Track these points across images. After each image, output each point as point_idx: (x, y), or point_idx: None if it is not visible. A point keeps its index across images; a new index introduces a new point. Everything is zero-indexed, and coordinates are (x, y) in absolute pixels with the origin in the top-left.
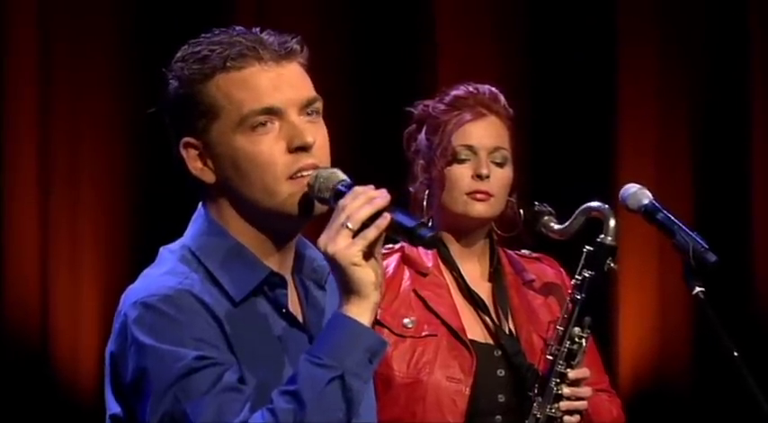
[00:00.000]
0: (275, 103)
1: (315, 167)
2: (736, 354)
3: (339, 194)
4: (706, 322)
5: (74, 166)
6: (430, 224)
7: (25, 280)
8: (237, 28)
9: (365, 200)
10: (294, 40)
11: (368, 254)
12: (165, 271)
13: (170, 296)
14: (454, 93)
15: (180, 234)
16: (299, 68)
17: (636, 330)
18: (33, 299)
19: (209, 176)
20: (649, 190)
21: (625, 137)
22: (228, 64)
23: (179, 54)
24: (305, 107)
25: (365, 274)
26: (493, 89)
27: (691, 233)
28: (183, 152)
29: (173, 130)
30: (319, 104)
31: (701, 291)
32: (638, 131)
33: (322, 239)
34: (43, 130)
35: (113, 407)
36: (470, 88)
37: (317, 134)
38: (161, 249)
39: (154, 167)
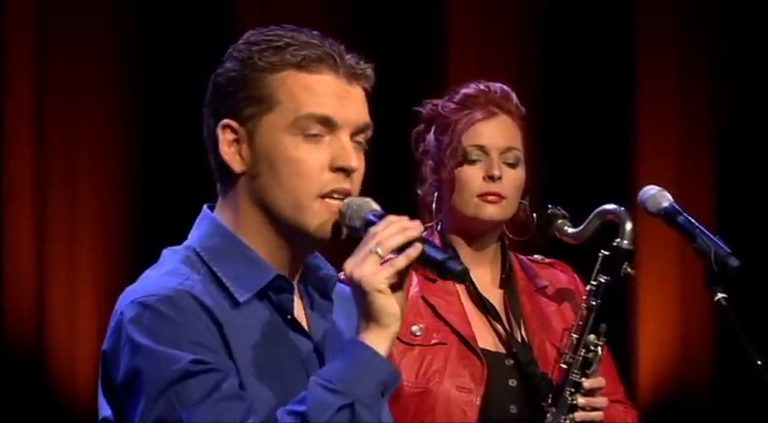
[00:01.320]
0: (335, 116)
1: (348, 194)
2: (759, 363)
3: (370, 224)
4: (728, 330)
5: (71, 166)
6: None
7: (21, 283)
8: (313, 32)
9: (398, 229)
10: (369, 65)
11: (395, 284)
12: (166, 272)
13: (169, 297)
14: (464, 91)
15: (180, 235)
16: (363, 94)
17: (656, 338)
18: (29, 302)
19: (238, 165)
20: (669, 192)
21: (644, 137)
22: (303, 64)
23: (250, 36)
24: (358, 132)
25: (389, 304)
26: (504, 87)
27: (712, 237)
28: (219, 132)
29: (215, 106)
30: (370, 133)
31: (724, 297)
32: (657, 131)
33: (349, 264)
34: (39, 130)
35: (105, 409)
36: (481, 86)
37: (359, 164)
38: (164, 251)
39: (152, 168)
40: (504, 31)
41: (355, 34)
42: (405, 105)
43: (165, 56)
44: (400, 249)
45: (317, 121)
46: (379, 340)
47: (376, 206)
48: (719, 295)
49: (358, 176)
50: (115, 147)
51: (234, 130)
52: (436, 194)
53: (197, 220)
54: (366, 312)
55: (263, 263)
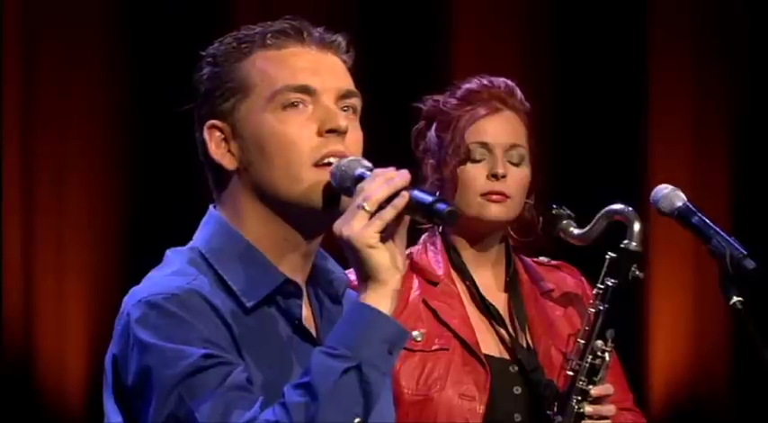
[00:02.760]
0: (311, 84)
1: (343, 155)
2: None
3: (360, 181)
4: (745, 335)
5: (59, 164)
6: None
7: (7, 288)
8: (285, 17)
9: (383, 180)
10: (341, 35)
11: (386, 236)
12: (173, 271)
13: (177, 295)
14: (467, 86)
15: (177, 237)
16: (341, 62)
17: (668, 344)
18: (16, 309)
19: (229, 162)
20: (683, 191)
21: (657, 134)
22: (269, 41)
23: (219, 40)
24: (342, 98)
25: (382, 258)
26: (509, 82)
27: (728, 238)
28: (207, 135)
29: (199, 113)
30: (358, 102)
31: (740, 301)
32: (670, 128)
33: (337, 223)
34: (26, 126)
35: (113, 416)
36: (484, 81)
37: (352, 129)
38: (167, 252)
39: (146, 166)
40: (510, 22)
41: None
42: (404, 101)
43: (161, 53)
44: (389, 200)
45: (293, 91)
46: (379, 298)
47: (367, 163)
48: (735, 299)
49: (353, 140)
50: (106, 144)
51: (219, 129)
52: (438, 194)
53: (203, 221)
54: (362, 271)
55: (270, 265)
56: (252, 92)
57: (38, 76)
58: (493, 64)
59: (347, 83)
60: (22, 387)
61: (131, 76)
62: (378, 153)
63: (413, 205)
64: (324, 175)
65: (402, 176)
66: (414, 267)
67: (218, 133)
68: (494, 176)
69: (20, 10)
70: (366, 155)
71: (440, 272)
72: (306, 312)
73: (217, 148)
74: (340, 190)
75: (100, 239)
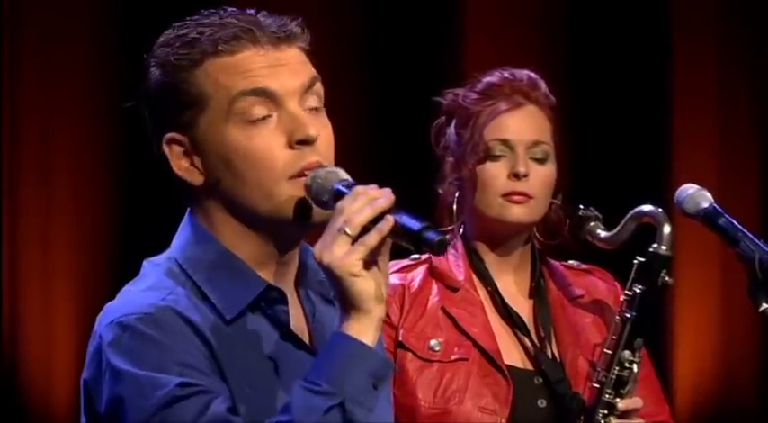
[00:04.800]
0: (270, 86)
1: (320, 166)
2: None
3: (339, 196)
4: None
5: (45, 169)
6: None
7: None
8: (229, 9)
9: (366, 201)
10: (294, 23)
11: (369, 262)
12: (147, 286)
13: (150, 314)
14: (487, 79)
15: (166, 243)
16: (300, 53)
17: (695, 353)
18: (0, 316)
19: (196, 177)
20: (710, 191)
21: (682, 131)
22: (220, 48)
23: (162, 38)
24: (306, 93)
25: (366, 286)
26: (532, 75)
27: (757, 241)
28: (166, 149)
29: (153, 124)
30: (320, 87)
31: None
32: (696, 125)
33: (317, 247)
34: (10, 122)
35: None
36: (506, 74)
37: (321, 128)
38: (144, 262)
39: (134, 169)
40: (524, 13)
41: (362, 18)
42: (420, 96)
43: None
44: (372, 223)
45: (253, 97)
46: (362, 328)
47: (345, 175)
48: (765, 305)
49: (324, 143)
50: (93, 143)
51: (179, 143)
52: (457, 194)
53: (180, 226)
54: (344, 300)
55: (250, 273)
56: (209, 104)
57: (21, 76)
58: (507, 57)
59: (307, 74)
60: (7, 394)
61: (118, 73)
62: (391, 151)
63: (398, 230)
64: (299, 188)
65: (386, 197)
66: (433, 272)
67: (177, 147)
68: (515, 176)
69: (1, 8)
70: (382, 155)
71: (460, 277)
72: (296, 317)
73: (179, 161)
74: (315, 203)
75: (88, 240)
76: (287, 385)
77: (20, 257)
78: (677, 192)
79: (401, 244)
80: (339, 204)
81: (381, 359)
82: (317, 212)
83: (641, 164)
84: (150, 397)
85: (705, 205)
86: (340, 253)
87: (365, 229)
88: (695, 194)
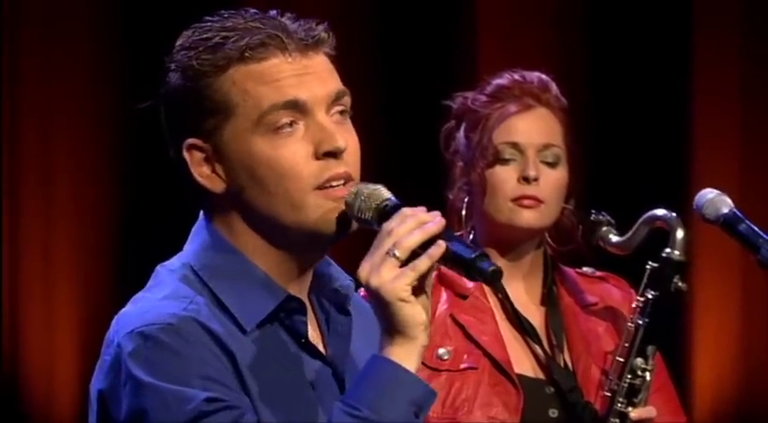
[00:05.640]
0: (300, 97)
1: (347, 177)
2: None
3: (384, 216)
4: None
5: (46, 166)
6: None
7: None
8: (251, 10)
9: (415, 224)
10: (321, 27)
11: (417, 288)
12: (166, 295)
13: (173, 325)
14: (497, 81)
15: (169, 245)
16: (326, 60)
17: (715, 361)
18: (0, 323)
19: (217, 185)
20: (730, 196)
21: (702, 132)
22: (247, 54)
23: (183, 41)
24: (333, 103)
25: (414, 312)
26: (543, 76)
27: None
28: (187, 155)
29: (172, 129)
30: (348, 100)
31: None
32: (717, 126)
33: (364, 269)
34: (10, 123)
35: None
36: (516, 76)
37: (348, 137)
38: (158, 268)
39: (136, 172)
40: (539, 11)
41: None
42: (431, 99)
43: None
44: (422, 248)
45: (282, 109)
46: (406, 355)
47: (389, 194)
48: None
49: (352, 154)
50: (95, 145)
51: (200, 149)
52: (467, 199)
53: (193, 230)
54: (389, 324)
55: (270, 282)
56: (235, 113)
57: (21, 76)
58: (520, 58)
59: (335, 84)
60: (8, 402)
61: (119, 73)
62: (401, 155)
63: (449, 256)
64: (328, 199)
65: (437, 223)
66: (441, 279)
67: (198, 153)
68: (525, 179)
69: (1, 8)
70: (392, 159)
71: (469, 284)
72: (311, 326)
73: (200, 168)
74: (357, 220)
75: (89, 243)
76: (305, 394)
77: (20, 261)
78: (697, 196)
79: (450, 269)
80: (387, 226)
81: (424, 387)
82: (350, 227)
83: (660, 167)
84: (176, 411)
85: (725, 211)
86: (389, 277)
87: (414, 254)
88: (715, 199)
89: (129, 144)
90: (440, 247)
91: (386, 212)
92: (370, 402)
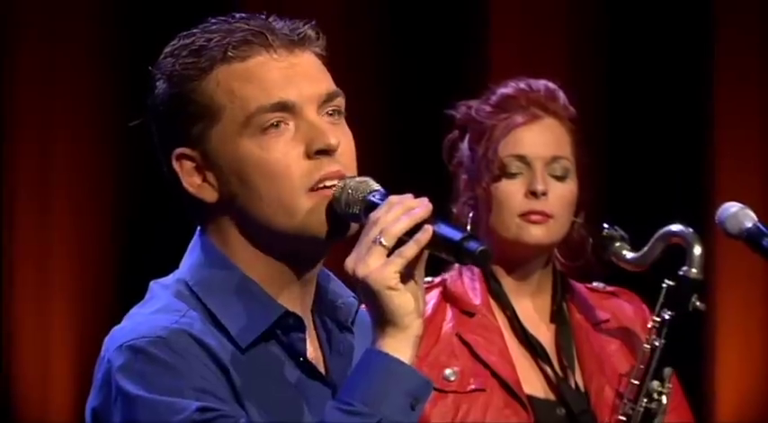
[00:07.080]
0: (289, 98)
1: (341, 176)
2: None
3: (371, 207)
4: None
5: (42, 172)
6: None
7: None
8: (238, 14)
9: (402, 211)
10: (308, 26)
11: (406, 275)
12: (157, 308)
13: (163, 338)
14: (502, 91)
15: (167, 255)
16: (316, 60)
17: (737, 384)
18: None
19: (209, 194)
20: (753, 210)
21: (723, 145)
22: (230, 53)
23: (168, 49)
24: (325, 103)
25: (404, 301)
26: (550, 85)
27: None
28: (176, 166)
29: (161, 140)
30: (341, 101)
31: None
32: (739, 139)
33: (350, 260)
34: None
35: None
36: (522, 85)
37: (341, 136)
38: (151, 284)
39: (135, 179)
40: (554, 18)
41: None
42: (436, 108)
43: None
44: (409, 234)
45: (270, 111)
46: (399, 345)
47: (376, 185)
48: None
49: (345, 153)
50: (92, 152)
51: (190, 158)
52: (472, 214)
53: (189, 246)
54: (379, 315)
55: (267, 297)
56: (221, 116)
57: (18, 77)
58: (535, 66)
59: (326, 84)
60: (2, 412)
61: (119, 76)
62: (408, 167)
63: (437, 241)
64: (322, 199)
65: (423, 207)
66: (447, 296)
67: (188, 163)
68: (532, 194)
69: (1, 8)
70: (395, 171)
71: (477, 301)
72: (311, 345)
73: (190, 178)
74: (345, 216)
75: (85, 253)
76: (303, 416)
77: (15, 272)
78: (719, 210)
79: (440, 255)
80: (373, 215)
81: (420, 377)
82: (347, 227)
83: (681, 180)
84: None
85: (748, 225)
86: (376, 265)
87: (401, 241)
88: (738, 213)
89: (126, 152)
90: (426, 231)
91: (373, 203)
92: (363, 396)
